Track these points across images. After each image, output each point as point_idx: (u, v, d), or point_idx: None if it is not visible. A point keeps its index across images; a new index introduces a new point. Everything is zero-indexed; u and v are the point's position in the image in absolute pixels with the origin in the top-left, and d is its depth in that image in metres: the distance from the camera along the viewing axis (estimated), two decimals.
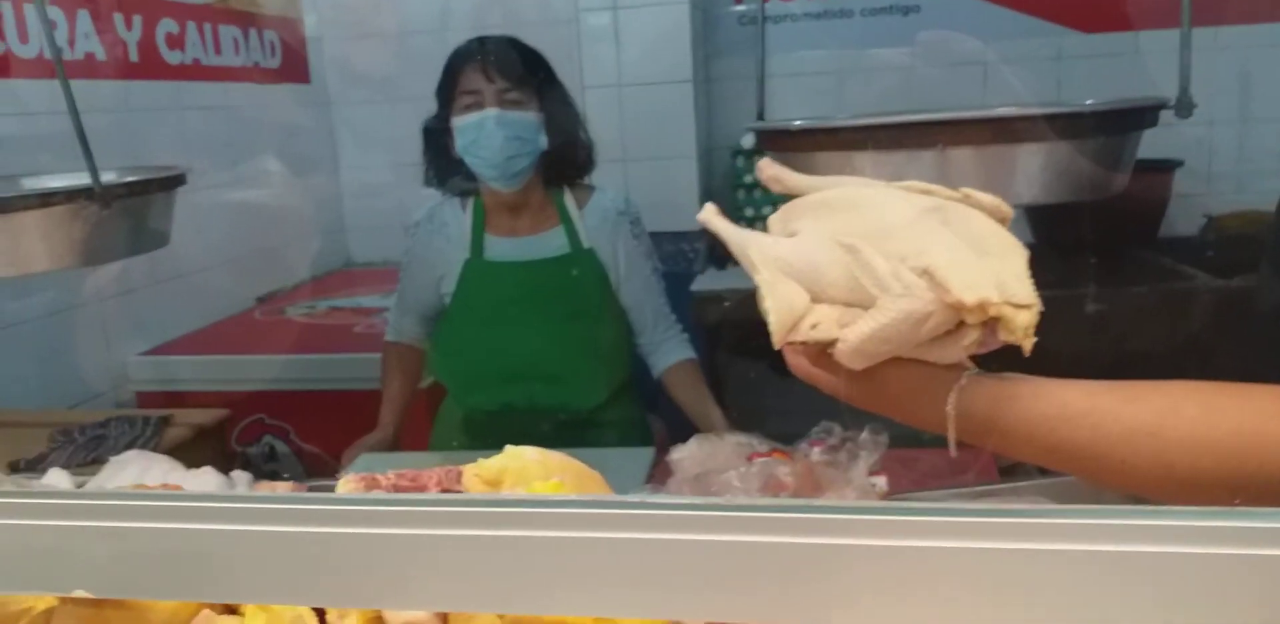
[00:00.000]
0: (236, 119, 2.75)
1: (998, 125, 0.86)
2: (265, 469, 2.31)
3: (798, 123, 0.92)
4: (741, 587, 0.60)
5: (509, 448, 0.82)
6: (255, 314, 2.70)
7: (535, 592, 0.63)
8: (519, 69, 1.65)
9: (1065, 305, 1.77)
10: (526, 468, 0.78)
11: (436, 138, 1.74)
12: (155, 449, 1.69)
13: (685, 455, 1.02)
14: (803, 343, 0.65)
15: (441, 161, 1.76)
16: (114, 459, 1.28)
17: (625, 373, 1.85)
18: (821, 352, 0.67)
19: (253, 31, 2.85)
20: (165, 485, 1.09)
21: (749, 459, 1.06)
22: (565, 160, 1.75)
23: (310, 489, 1.23)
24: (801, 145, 0.89)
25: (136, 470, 1.24)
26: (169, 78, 2.49)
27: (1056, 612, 0.56)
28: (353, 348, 2.33)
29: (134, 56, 2.35)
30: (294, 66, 3.05)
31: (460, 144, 1.66)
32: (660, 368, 1.84)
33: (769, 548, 0.59)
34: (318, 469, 2.27)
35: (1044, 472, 1.53)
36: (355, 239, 3.31)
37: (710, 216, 0.76)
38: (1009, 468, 1.64)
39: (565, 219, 1.76)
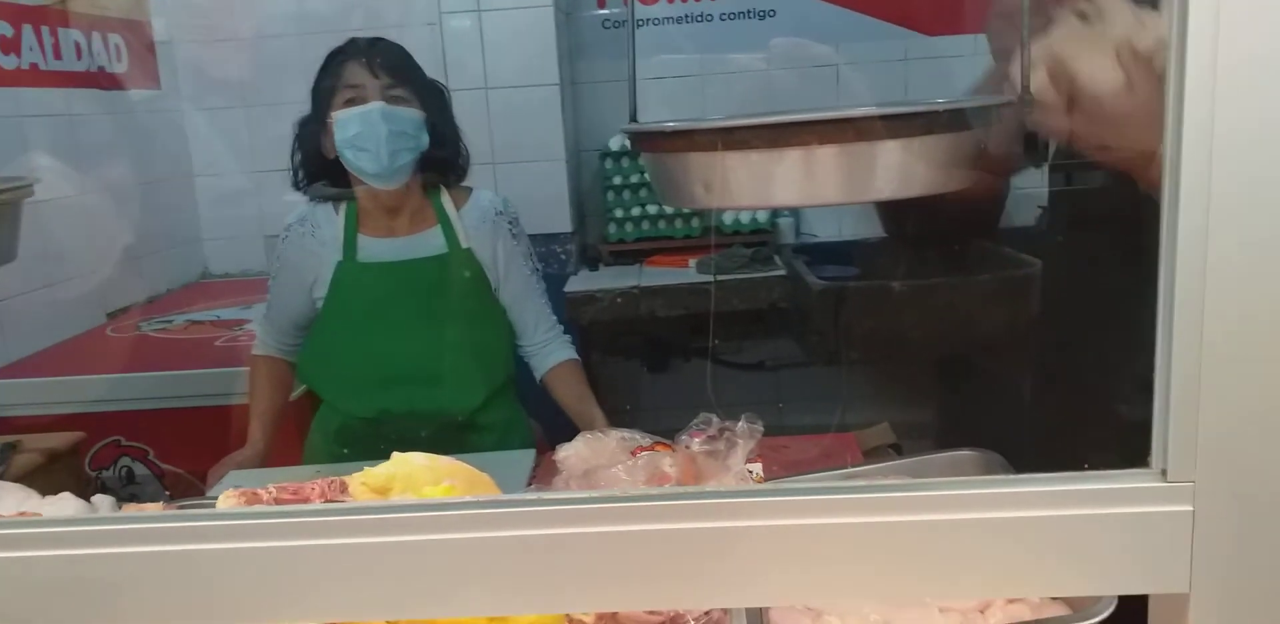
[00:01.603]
0: (81, 126, 2.61)
1: (861, 124, 0.89)
2: (123, 493, 2.20)
3: (670, 124, 0.94)
4: (639, 575, 0.61)
5: (395, 454, 0.81)
6: (107, 331, 2.57)
7: (432, 596, 0.63)
8: (402, 66, 1.67)
9: (916, 294, 1.84)
10: (415, 473, 0.77)
11: (309, 138, 1.72)
12: (2, 478, 1.59)
13: (571, 453, 1.03)
14: None
15: (313, 163, 1.74)
16: None
17: (504, 374, 1.84)
18: None
19: (96, 35, 2.71)
20: (21, 515, 1.03)
21: (633, 454, 1.08)
22: (443, 161, 1.75)
23: (180, 509, 1.19)
24: (675, 146, 0.91)
25: None
26: (4, 84, 2.35)
27: (933, 577, 0.60)
28: (215, 363, 2.24)
29: None
30: (142, 71, 2.91)
31: (342, 138, 1.63)
32: (543, 370, 1.85)
33: (663, 535, 0.60)
34: (181, 490, 2.18)
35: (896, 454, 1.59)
36: (212, 250, 3.19)
37: None
38: (869, 451, 1.71)
39: (443, 219, 1.76)
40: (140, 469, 2.21)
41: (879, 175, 0.90)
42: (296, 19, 3.02)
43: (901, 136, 0.87)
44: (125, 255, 2.75)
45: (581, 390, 1.83)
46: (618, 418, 3.25)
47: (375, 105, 1.62)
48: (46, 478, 1.67)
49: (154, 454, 2.21)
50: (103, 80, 2.74)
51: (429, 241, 1.74)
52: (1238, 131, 0.51)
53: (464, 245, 1.75)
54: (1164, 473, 0.55)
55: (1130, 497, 0.55)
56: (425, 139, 1.67)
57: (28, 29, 2.43)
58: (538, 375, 1.87)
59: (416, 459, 0.79)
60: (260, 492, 0.81)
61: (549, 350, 1.84)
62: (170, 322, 2.58)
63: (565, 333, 1.89)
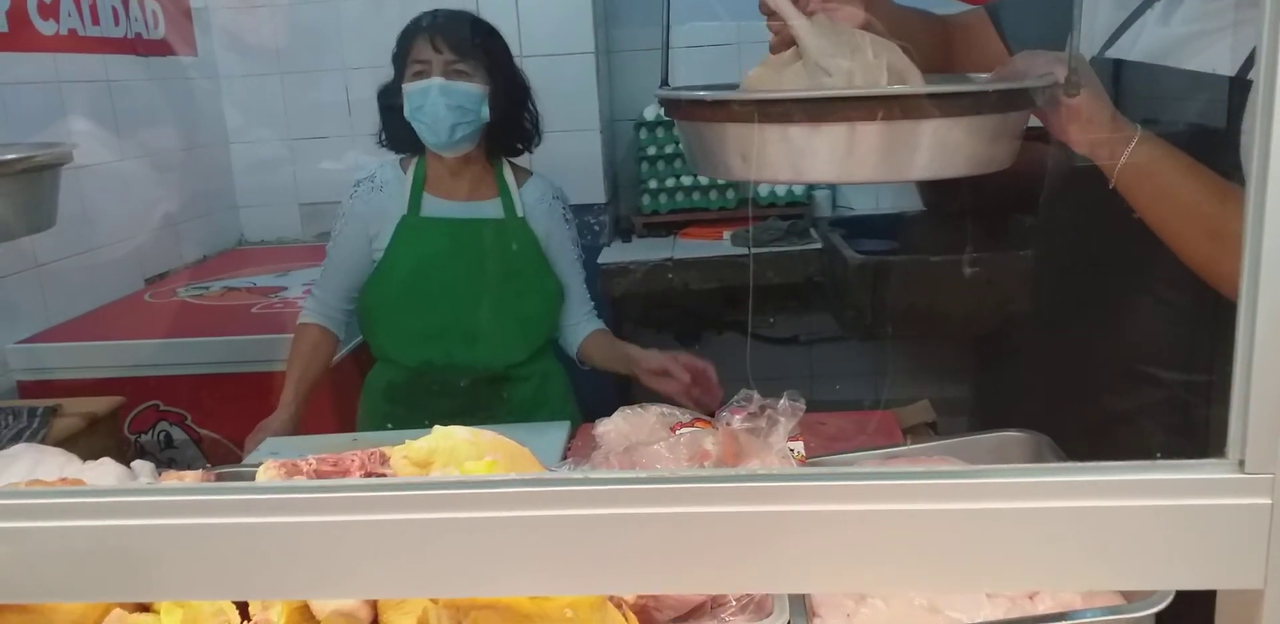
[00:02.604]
0: (118, 92, 2.61)
1: (906, 102, 0.87)
2: (162, 457, 2.23)
3: (704, 93, 0.92)
4: (684, 558, 0.60)
5: (437, 428, 0.80)
6: (145, 296, 2.59)
7: (473, 574, 0.62)
8: (467, 42, 1.74)
9: (954, 269, 1.81)
10: (457, 448, 0.76)
11: (390, 102, 1.80)
12: (44, 441, 1.61)
13: (610, 428, 1.02)
14: None
15: (395, 125, 1.82)
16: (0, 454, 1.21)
17: (544, 336, 1.92)
18: None
19: (134, 1, 2.70)
20: (63, 481, 1.04)
21: (672, 430, 1.07)
22: (510, 133, 1.84)
23: (219, 477, 1.19)
24: (714, 116, 0.89)
25: (27, 465, 1.17)
26: (43, 49, 2.35)
27: (989, 568, 0.58)
28: (252, 329, 2.25)
29: (3, 26, 2.20)
30: (179, 38, 2.90)
31: (408, 109, 1.74)
32: (576, 343, 1.95)
33: (710, 518, 0.59)
34: (217, 456, 2.20)
35: (933, 433, 1.57)
36: (248, 217, 3.19)
37: None
38: (909, 429, 1.69)
39: (504, 191, 1.85)
40: (178, 434, 2.24)
41: (922, 154, 0.88)
42: None
43: (949, 115, 0.84)
44: (162, 221, 2.77)
45: (613, 343, 1.93)
46: (649, 391, 3.25)
47: (435, 82, 1.71)
48: (87, 442, 1.69)
49: (191, 419, 2.23)
50: (140, 46, 2.74)
51: (488, 208, 1.84)
52: None
53: (520, 215, 1.85)
54: (1241, 464, 0.53)
55: (1205, 488, 0.53)
56: (485, 112, 1.74)
57: None
58: (572, 351, 1.96)
59: (459, 433, 0.78)
60: (300, 463, 0.80)
61: (581, 328, 1.94)
62: (207, 288, 2.60)
63: (594, 310, 1.99)
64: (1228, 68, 1.08)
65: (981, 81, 1.02)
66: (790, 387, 1.09)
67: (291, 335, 1.95)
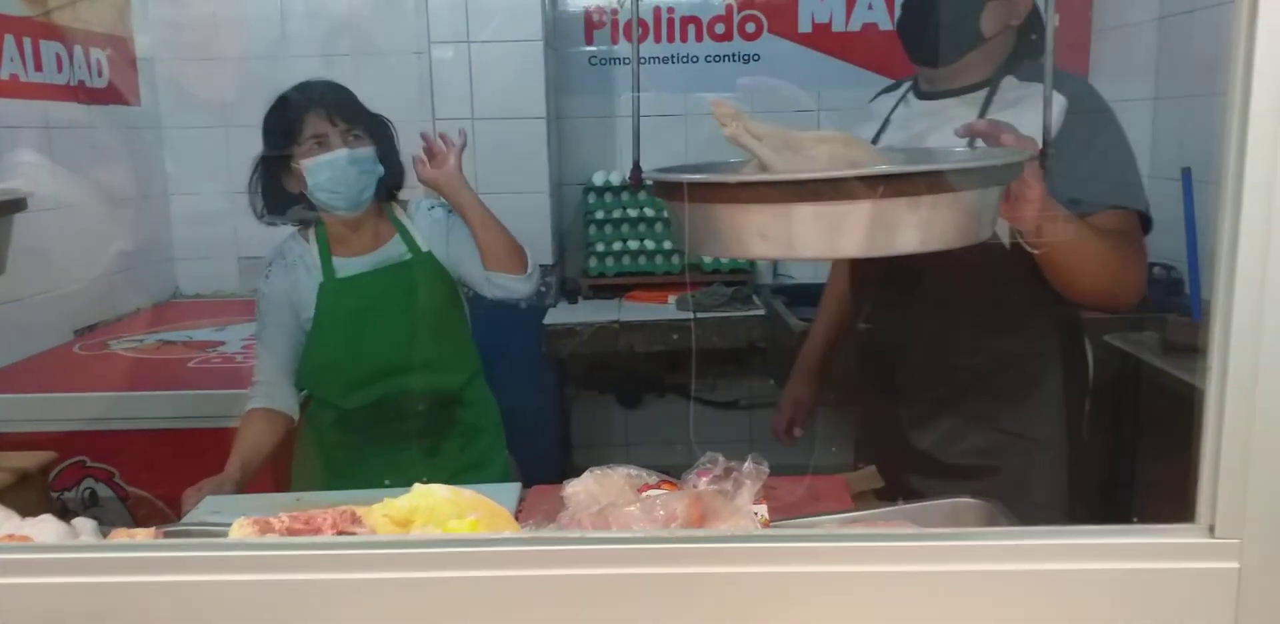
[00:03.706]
0: (58, 139, 2.57)
1: (886, 180, 0.91)
2: (86, 516, 2.13)
3: (694, 177, 0.96)
4: (680, 613, 0.61)
5: (417, 486, 0.80)
6: (75, 348, 2.51)
7: None
8: (354, 108, 1.81)
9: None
10: (437, 506, 0.76)
11: (272, 174, 1.83)
12: None
13: (580, 489, 1.02)
14: None
15: (276, 196, 1.85)
16: None
17: (477, 356, 2.00)
18: None
19: (78, 48, 2.68)
20: (9, 537, 1.00)
21: (640, 491, 1.07)
22: (392, 177, 1.89)
23: (166, 536, 1.15)
24: (706, 196, 0.92)
25: None
26: None
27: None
28: (188, 384, 2.20)
29: None
30: (123, 86, 2.88)
31: (314, 183, 1.77)
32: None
33: (695, 579, 0.60)
34: (144, 514, 2.12)
35: (877, 499, 1.63)
36: (185, 270, 3.14)
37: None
38: (857, 495, 1.71)
39: (401, 229, 1.91)
40: (104, 491, 2.15)
41: (880, 231, 0.92)
42: (281, 42, 3.01)
43: (960, 189, 0.88)
44: (96, 271, 2.70)
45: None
46: (590, 453, 3.23)
47: (342, 153, 1.75)
48: (16, 498, 1.61)
49: (119, 476, 2.15)
50: (83, 94, 2.71)
51: (394, 250, 1.90)
52: None
53: (424, 249, 1.90)
54: (1211, 529, 0.55)
55: (1176, 552, 0.55)
56: (380, 168, 1.82)
57: (9, 39, 2.41)
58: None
59: (439, 491, 0.78)
60: (274, 520, 0.79)
61: None
62: (141, 341, 2.54)
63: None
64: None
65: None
66: (730, 451, 1.11)
67: (232, 391, 1.92)
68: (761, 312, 2.69)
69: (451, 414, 1.92)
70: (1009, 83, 1.52)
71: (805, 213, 0.84)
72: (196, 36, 3.02)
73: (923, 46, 1.54)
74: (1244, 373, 0.54)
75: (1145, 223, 1.49)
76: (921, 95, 1.63)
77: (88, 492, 2.15)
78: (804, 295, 2.82)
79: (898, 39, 1.59)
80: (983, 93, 1.53)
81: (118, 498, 2.16)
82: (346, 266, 1.88)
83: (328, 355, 1.88)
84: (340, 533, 0.85)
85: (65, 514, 1.65)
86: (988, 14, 1.49)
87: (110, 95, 2.84)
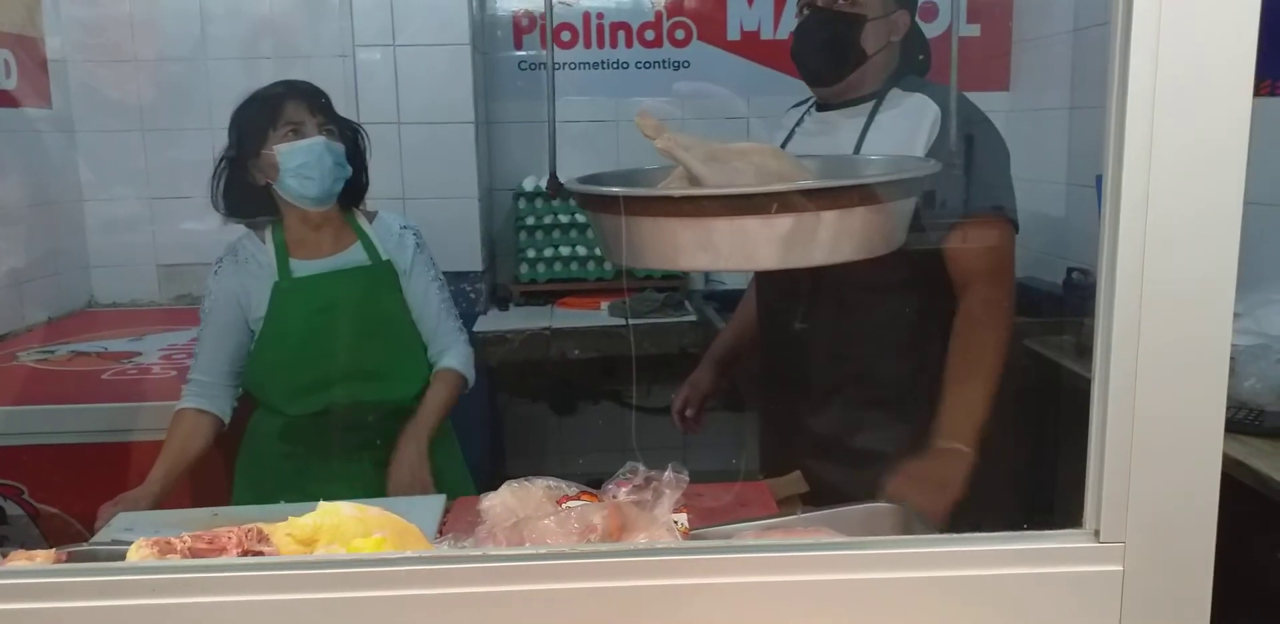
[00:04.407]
0: None
1: (807, 195, 0.92)
2: None
3: (617, 190, 0.95)
4: None
5: (322, 504, 0.77)
6: None
7: None
8: (328, 106, 1.86)
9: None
10: (343, 524, 0.74)
11: (238, 170, 1.84)
12: None
13: (496, 502, 1.00)
14: None
15: (239, 193, 1.85)
16: None
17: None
18: None
19: None
20: None
21: (559, 503, 1.06)
22: (357, 182, 1.92)
23: (70, 558, 1.11)
24: (624, 209, 0.91)
25: None
26: None
27: None
28: (102, 397, 2.12)
29: None
30: (33, 88, 2.78)
31: (287, 168, 1.79)
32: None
33: (607, 593, 0.59)
34: (55, 533, 2.05)
35: (802, 503, 1.66)
36: (100, 277, 3.04)
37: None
38: (782, 501, 1.73)
39: (361, 235, 1.92)
40: (12, 508, 2.07)
41: (800, 244, 0.93)
42: (200, 44, 2.94)
43: (893, 198, 0.89)
44: (4, 280, 2.61)
45: (433, 394, 1.91)
46: (524, 461, 3.20)
47: (319, 139, 1.79)
48: None
49: (28, 493, 2.07)
50: None
51: (353, 256, 1.91)
52: (1163, 240, 0.53)
53: (384, 257, 1.92)
54: (1096, 534, 0.56)
55: (1064, 556, 0.57)
56: (349, 169, 1.85)
57: None
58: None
59: (344, 509, 0.76)
60: (175, 540, 0.76)
61: (441, 360, 1.95)
62: (52, 352, 2.45)
63: (464, 341, 2.01)
64: None
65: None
66: (665, 456, 1.11)
67: (149, 403, 1.89)
68: (693, 317, 2.69)
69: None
70: (894, 94, 1.67)
71: (748, 225, 0.84)
72: (111, 38, 2.93)
73: (813, 68, 1.71)
74: (1124, 379, 0.55)
75: (1014, 226, 1.62)
76: (820, 108, 1.79)
77: None
78: (735, 301, 2.83)
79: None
80: (870, 104, 1.68)
81: (28, 515, 2.08)
82: (303, 267, 1.88)
83: (277, 356, 1.86)
84: (246, 552, 0.82)
85: None
86: (868, 33, 1.65)
87: (19, 97, 2.74)
